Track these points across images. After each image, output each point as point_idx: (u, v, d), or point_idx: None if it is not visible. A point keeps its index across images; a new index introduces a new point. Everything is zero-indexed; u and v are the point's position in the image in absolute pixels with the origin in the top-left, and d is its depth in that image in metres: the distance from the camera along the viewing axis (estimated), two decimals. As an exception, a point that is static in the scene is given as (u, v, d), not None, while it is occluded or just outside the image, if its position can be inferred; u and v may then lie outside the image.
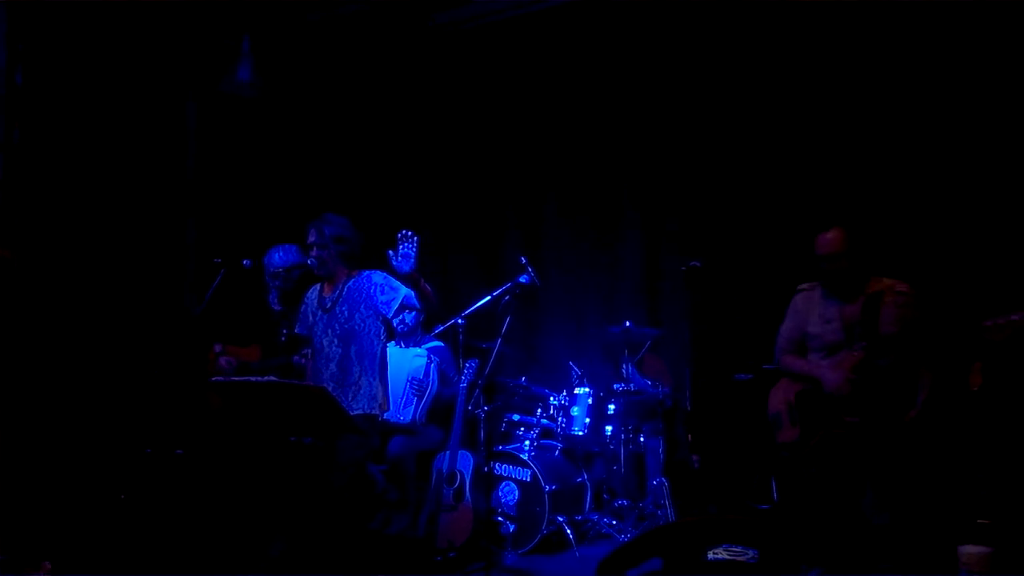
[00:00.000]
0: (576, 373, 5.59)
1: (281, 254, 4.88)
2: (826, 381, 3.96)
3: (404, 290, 4.21)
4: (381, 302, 4.25)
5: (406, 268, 3.98)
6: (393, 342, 5.07)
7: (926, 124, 5.01)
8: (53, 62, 5.30)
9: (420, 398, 5.14)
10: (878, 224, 5.07)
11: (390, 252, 3.98)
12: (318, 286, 4.43)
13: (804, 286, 4.20)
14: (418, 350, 5.29)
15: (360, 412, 4.17)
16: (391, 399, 4.48)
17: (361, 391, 4.20)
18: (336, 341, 4.26)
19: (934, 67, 4.96)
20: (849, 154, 5.23)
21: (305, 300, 4.47)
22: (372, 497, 4.86)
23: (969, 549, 2.73)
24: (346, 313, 4.26)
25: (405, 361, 5.18)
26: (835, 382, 3.95)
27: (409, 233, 3.96)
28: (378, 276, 4.29)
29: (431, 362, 5.22)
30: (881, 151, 5.15)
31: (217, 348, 4.86)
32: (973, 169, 4.86)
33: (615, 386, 5.50)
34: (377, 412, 4.23)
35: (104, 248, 5.51)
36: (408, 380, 5.14)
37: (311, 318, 4.38)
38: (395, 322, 4.70)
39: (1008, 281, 4.68)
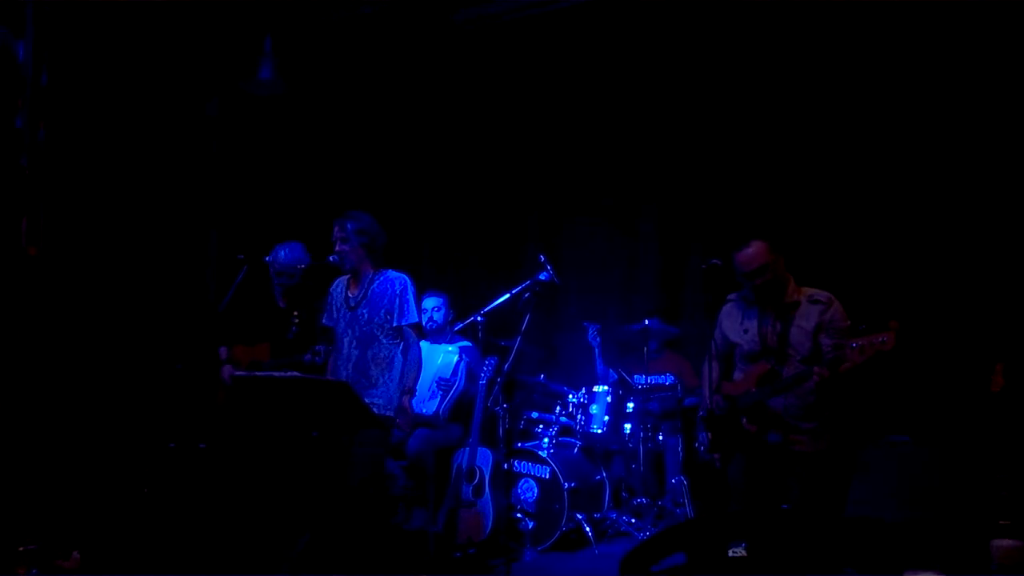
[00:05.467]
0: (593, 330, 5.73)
1: (287, 252, 4.92)
2: (725, 393, 3.96)
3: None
4: (396, 309, 4.28)
5: None
6: (424, 340, 5.14)
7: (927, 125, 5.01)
8: (78, 62, 5.36)
9: (446, 394, 5.17)
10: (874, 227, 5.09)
11: None
12: (344, 279, 4.45)
13: (732, 296, 4.12)
14: (450, 347, 5.32)
15: (379, 414, 4.19)
16: (416, 393, 4.50)
17: (378, 394, 4.22)
18: (355, 343, 4.28)
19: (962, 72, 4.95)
20: (861, 153, 5.22)
21: (331, 292, 4.48)
22: (391, 493, 4.88)
23: (1002, 543, 2.70)
24: (366, 316, 4.28)
25: (434, 358, 5.22)
26: (736, 392, 3.94)
27: None
28: (400, 283, 4.32)
29: (462, 360, 5.24)
30: (884, 149, 5.16)
31: (223, 353, 4.87)
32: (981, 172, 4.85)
33: (635, 378, 5.51)
34: (393, 415, 4.25)
35: (128, 245, 5.56)
36: (435, 376, 5.17)
37: (335, 312, 4.41)
38: (423, 320, 4.72)
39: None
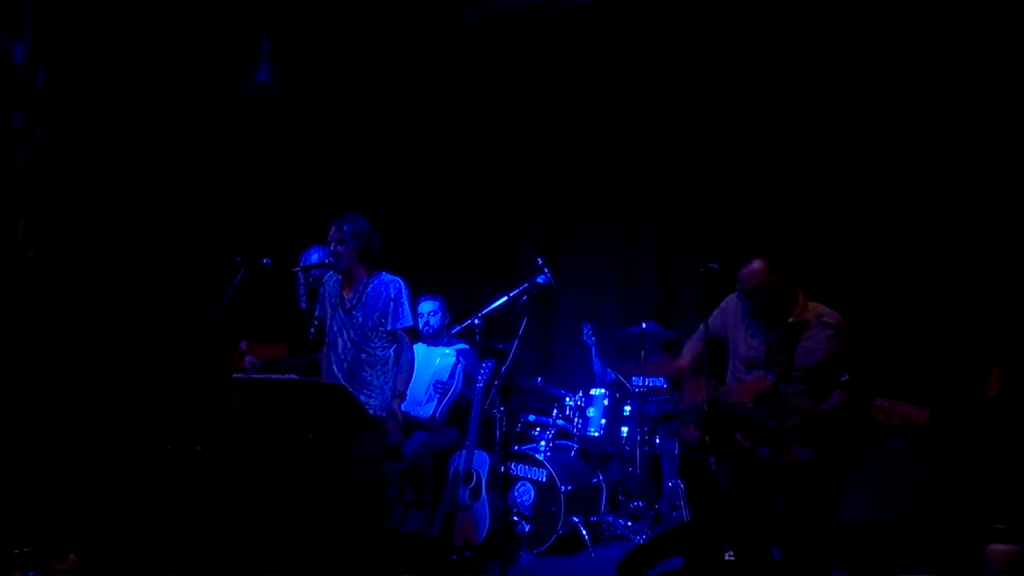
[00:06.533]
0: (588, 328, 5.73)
1: (321, 255, 4.93)
2: (722, 400, 3.86)
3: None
4: (390, 313, 4.28)
5: None
6: (421, 343, 5.15)
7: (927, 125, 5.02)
8: (75, 62, 5.35)
9: (443, 397, 5.16)
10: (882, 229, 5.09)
11: None
12: (338, 276, 4.46)
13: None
14: (447, 350, 5.32)
15: (372, 415, 4.19)
16: (412, 396, 4.49)
17: (372, 395, 4.22)
18: (350, 345, 4.29)
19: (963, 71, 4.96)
20: (858, 156, 5.22)
21: (324, 283, 4.50)
22: (388, 495, 4.88)
23: (998, 547, 2.70)
24: (360, 319, 4.29)
25: (430, 360, 5.21)
26: (732, 400, 3.82)
27: None
28: (394, 287, 4.32)
29: (459, 363, 5.24)
30: (880, 150, 5.16)
31: (243, 346, 4.90)
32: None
33: (633, 381, 5.50)
34: (387, 416, 4.25)
35: (125, 246, 5.56)
36: (432, 379, 5.16)
37: (329, 310, 4.42)
38: (420, 324, 4.70)
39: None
